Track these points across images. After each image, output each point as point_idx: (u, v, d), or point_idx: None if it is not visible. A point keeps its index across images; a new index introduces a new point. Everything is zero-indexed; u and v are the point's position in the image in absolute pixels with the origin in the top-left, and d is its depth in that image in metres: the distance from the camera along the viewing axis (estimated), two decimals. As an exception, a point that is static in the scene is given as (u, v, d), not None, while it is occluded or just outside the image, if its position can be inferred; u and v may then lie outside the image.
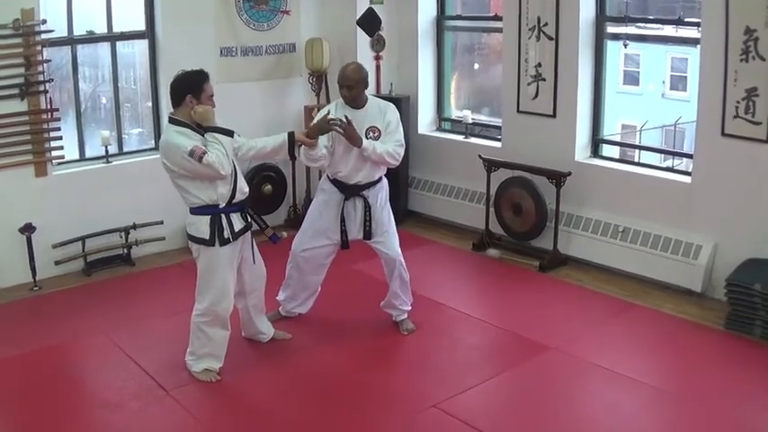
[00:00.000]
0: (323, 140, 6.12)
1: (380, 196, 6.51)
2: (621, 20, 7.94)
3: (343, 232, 6.48)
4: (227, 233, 5.66)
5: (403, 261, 6.59)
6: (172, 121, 5.61)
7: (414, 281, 6.82)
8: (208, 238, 5.63)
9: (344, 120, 6.05)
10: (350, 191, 6.43)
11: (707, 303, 7.19)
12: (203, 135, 5.56)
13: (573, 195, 8.12)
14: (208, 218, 5.63)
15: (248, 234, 5.92)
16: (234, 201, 5.72)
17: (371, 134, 6.30)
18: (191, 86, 5.55)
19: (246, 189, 5.89)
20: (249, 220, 5.89)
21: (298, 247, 6.63)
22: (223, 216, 5.67)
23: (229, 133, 5.65)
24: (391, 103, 6.50)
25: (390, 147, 6.24)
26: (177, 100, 5.59)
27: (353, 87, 6.22)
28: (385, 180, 6.58)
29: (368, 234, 6.49)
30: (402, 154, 6.33)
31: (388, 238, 6.56)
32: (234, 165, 5.70)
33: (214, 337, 5.90)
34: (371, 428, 5.39)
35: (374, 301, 6.90)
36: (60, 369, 6.16)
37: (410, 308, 6.82)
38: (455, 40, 10.00)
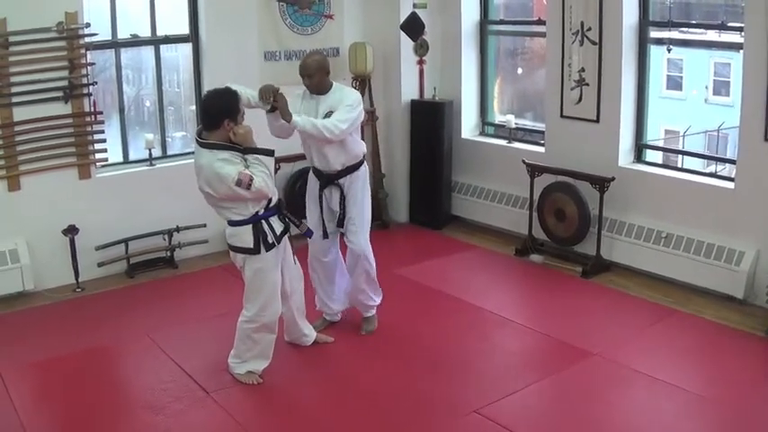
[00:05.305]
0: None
1: (354, 185, 6.46)
2: (665, 24, 7.87)
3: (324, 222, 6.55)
4: (270, 238, 5.68)
5: (369, 256, 6.56)
6: (208, 146, 5.50)
7: (456, 286, 6.82)
8: (252, 246, 5.65)
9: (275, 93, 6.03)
10: (325, 179, 6.47)
11: (749, 310, 7.12)
12: (242, 152, 5.52)
13: (616, 201, 8.06)
14: (250, 227, 5.64)
15: (286, 235, 5.94)
16: (270, 205, 5.74)
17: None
18: (229, 111, 5.48)
19: (276, 190, 5.88)
20: (286, 221, 5.90)
21: (311, 252, 6.68)
22: (264, 222, 5.68)
23: (271, 153, 5.64)
24: (356, 91, 6.52)
25: (329, 121, 6.12)
26: (215, 125, 5.49)
27: (312, 75, 6.29)
28: (363, 170, 6.53)
29: (340, 222, 6.52)
30: (341, 129, 6.09)
31: (357, 230, 6.51)
32: None
33: (261, 341, 5.92)
34: (412, 433, 5.39)
35: (417, 305, 6.90)
36: (103, 370, 6.23)
37: (377, 302, 6.80)
38: (498, 45, 9.96)
